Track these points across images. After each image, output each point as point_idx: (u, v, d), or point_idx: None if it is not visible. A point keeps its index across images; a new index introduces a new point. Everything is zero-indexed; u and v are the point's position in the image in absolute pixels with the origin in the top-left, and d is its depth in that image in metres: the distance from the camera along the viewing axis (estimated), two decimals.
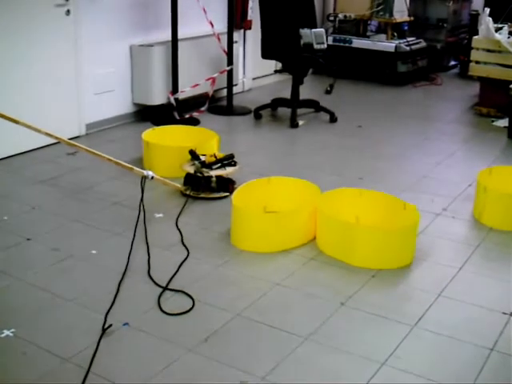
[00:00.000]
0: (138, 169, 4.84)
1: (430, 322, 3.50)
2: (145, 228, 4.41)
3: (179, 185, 5.10)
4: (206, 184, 5.08)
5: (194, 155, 5.18)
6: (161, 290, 3.71)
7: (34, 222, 4.54)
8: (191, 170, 5.09)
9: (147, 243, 4.23)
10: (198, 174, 5.05)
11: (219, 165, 5.14)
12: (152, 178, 4.74)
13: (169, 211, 4.77)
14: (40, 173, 5.38)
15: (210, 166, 5.11)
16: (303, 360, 3.16)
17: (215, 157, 5.19)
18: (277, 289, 3.79)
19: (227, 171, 5.15)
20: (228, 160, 5.21)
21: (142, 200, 4.59)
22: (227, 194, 5.01)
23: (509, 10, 8.62)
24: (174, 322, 3.42)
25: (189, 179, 5.12)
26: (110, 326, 3.32)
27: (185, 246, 4.25)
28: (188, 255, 4.11)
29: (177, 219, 4.62)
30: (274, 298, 3.70)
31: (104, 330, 3.28)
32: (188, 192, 5.06)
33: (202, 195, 5.06)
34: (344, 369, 3.12)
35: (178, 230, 4.46)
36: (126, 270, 3.90)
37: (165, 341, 3.25)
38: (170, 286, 3.74)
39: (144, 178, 4.71)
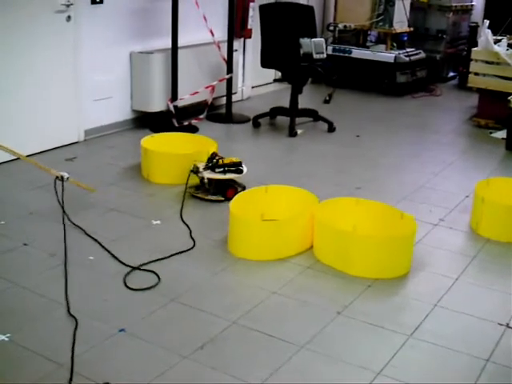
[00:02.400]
0: (54, 170, 4.79)
1: (426, 332, 3.50)
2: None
3: (92, 187, 5.11)
4: (203, 185, 5.13)
5: (212, 156, 5.21)
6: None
7: (31, 227, 4.54)
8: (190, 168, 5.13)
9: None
10: (192, 173, 5.09)
11: (222, 169, 5.15)
12: (67, 178, 4.69)
13: (166, 218, 4.77)
14: (38, 178, 5.36)
15: (213, 168, 5.14)
16: (299, 368, 3.16)
17: (222, 160, 5.20)
18: (273, 297, 3.79)
19: (225, 176, 5.15)
20: (234, 166, 5.21)
21: (62, 203, 4.63)
22: (222, 198, 5.03)
23: (508, 22, 8.65)
24: (170, 329, 3.42)
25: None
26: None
27: (193, 238, 4.29)
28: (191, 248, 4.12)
29: (182, 218, 4.63)
30: (270, 306, 3.70)
31: None
32: (190, 190, 5.14)
33: (199, 195, 5.11)
34: (340, 378, 3.11)
35: (191, 237, 4.47)
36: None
37: (161, 347, 3.25)
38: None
39: (60, 178, 4.68)
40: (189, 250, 4.31)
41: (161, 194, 5.18)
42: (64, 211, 4.59)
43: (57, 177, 4.70)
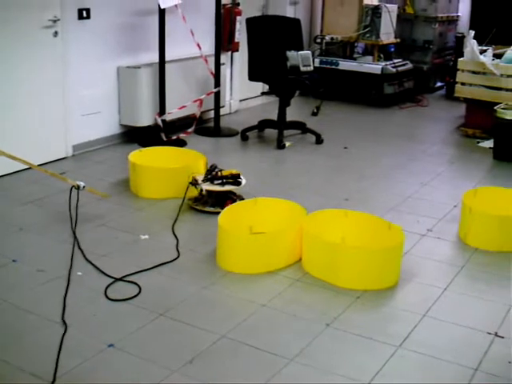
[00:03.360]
0: (70, 180, 4.93)
1: (415, 343, 3.51)
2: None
3: (106, 193, 5.20)
4: (202, 197, 5.19)
5: (211, 169, 5.28)
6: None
7: (21, 243, 4.53)
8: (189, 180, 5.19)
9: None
10: (190, 185, 5.14)
11: (220, 181, 5.19)
12: (84, 187, 4.84)
13: (155, 232, 4.77)
14: (28, 193, 5.37)
15: (212, 180, 5.19)
16: (288, 381, 3.16)
17: (221, 172, 5.26)
18: (262, 310, 3.79)
19: (224, 188, 5.19)
20: (232, 178, 5.25)
21: (76, 207, 4.79)
22: (220, 210, 5.03)
23: (493, 32, 8.70)
24: (159, 344, 3.42)
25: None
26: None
27: (178, 251, 4.26)
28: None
29: (173, 231, 4.64)
30: (259, 319, 3.71)
31: None
32: (189, 202, 5.20)
33: (198, 207, 5.15)
34: None
35: (177, 249, 4.47)
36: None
37: (150, 362, 3.25)
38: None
39: (76, 187, 4.83)
40: (172, 261, 4.33)
41: (149, 209, 5.19)
42: (73, 221, 4.69)
43: (73, 186, 4.81)
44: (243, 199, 5.23)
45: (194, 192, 5.23)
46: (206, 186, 5.15)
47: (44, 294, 3.86)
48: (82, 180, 5.00)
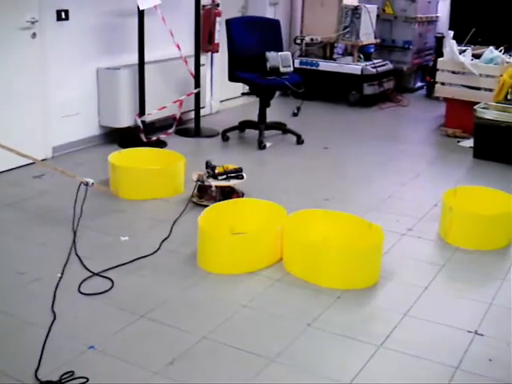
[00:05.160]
0: (78, 176, 4.95)
1: (395, 342, 3.52)
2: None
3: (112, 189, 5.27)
4: (209, 193, 5.27)
5: (208, 165, 5.33)
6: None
7: (0, 246, 4.50)
8: (195, 178, 5.26)
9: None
10: (200, 183, 5.22)
11: (225, 176, 5.28)
12: (92, 184, 4.86)
13: (135, 234, 4.76)
14: (6, 196, 5.34)
15: (216, 176, 5.26)
16: (270, 381, 3.16)
17: (221, 168, 5.36)
18: (243, 311, 3.78)
19: (230, 183, 5.29)
20: (235, 173, 5.34)
21: (82, 203, 4.78)
22: None
23: (472, 33, 8.75)
24: (140, 345, 3.40)
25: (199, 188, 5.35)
26: None
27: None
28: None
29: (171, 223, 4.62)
30: (240, 320, 3.70)
31: None
32: (194, 199, 5.26)
33: (205, 203, 5.17)
34: None
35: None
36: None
37: (131, 364, 3.23)
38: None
39: (85, 184, 4.85)
40: (147, 255, 4.38)
41: (130, 210, 5.17)
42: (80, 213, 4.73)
43: (81, 182, 4.83)
44: (244, 195, 5.37)
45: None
46: (215, 183, 5.24)
47: (24, 296, 3.84)
48: (62, 182, 4.98)
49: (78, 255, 4.35)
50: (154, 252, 4.44)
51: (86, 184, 4.83)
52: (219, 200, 5.17)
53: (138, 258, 4.33)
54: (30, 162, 6.08)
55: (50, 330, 3.48)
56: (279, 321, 3.70)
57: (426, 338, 3.59)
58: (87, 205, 5.09)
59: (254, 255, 4.29)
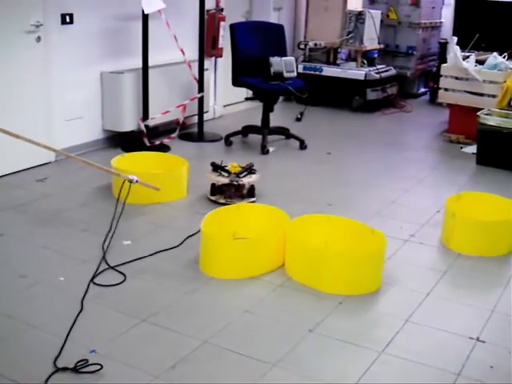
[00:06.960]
0: (123, 175, 4.96)
1: (397, 348, 3.52)
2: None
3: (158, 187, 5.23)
4: (237, 191, 5.45)
5: (217, 166, 5.54)
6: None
7: (2, 249, 4.51)
8: (225, 180, 5.45)
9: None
10: (234, 183, 5.40)
11: (245, 173, 5.48)
12: (136, 181, 4.87)
13: (137, 238, 4.76)
14: (9, 199, 5.34)
15: (237, 175, 5.44)
16: None
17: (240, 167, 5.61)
18: (245, 316, 3.79)
19: (254, 178, 5.54)
20: (250, 169, 5.59)
21: (124, 201, 4.80)
22: (254, 199, 5.49)
23: (475, 38, 8.75)
24: (141, 349, 3.40)
25: (215, 189, 5.54)
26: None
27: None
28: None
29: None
30: (242, 324, 3.70)
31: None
32: (221, 201, 5.40)
33: (234, 201, 5.36)
34: None
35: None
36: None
37: (132, 368, 3.23)
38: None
39: (129, 181, 4.86)
40: (168, 249, 4.48)
41: (132, 214, 5.17)
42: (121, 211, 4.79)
43: (125, 180, 4.87)
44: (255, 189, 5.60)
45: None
46: (246, 180, 5.47)
47: (26, 299, 3.84)
48: (65, 185, 4.99)
49: (107, 264, 4.36)
50: (177, 246, 4.62)
51: (130, 181, 4.82)
52: (246, 197, 5.46)
53: (159, 252, 4.51)
54: (33, 165, 6.12)
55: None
56: (281, 326, 3.70)
57: (427, 344, 3.59)
58: (90, 208, 5.11)
59: (257, 260, 4.29)
